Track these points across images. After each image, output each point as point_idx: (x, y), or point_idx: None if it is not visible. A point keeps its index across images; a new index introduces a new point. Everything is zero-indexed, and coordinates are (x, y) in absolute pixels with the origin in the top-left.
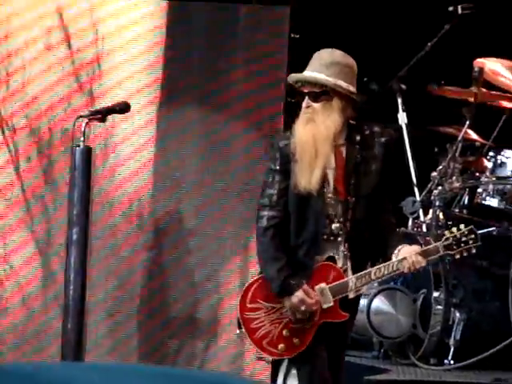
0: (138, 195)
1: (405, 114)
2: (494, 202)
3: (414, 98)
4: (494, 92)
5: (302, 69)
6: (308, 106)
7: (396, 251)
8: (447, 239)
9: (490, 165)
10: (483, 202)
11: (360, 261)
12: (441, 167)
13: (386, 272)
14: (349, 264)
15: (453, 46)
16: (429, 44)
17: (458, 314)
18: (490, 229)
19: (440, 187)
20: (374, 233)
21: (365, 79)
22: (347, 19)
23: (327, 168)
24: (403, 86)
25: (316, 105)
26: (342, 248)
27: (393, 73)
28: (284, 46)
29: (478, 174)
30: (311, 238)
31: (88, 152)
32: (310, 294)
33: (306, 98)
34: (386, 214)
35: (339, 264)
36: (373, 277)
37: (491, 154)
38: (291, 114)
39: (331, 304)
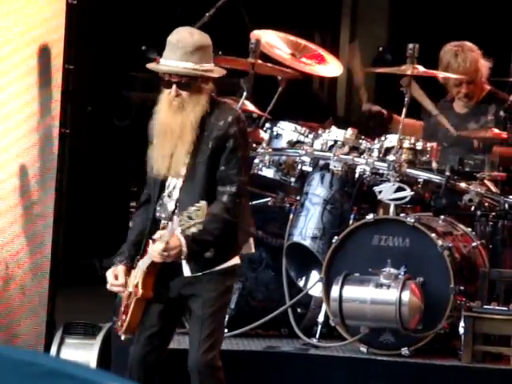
0: None
1: None
2: (269, 172)
3: None
4: (271, 64)
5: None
6: (177, 95)
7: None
8: (182, 216)
9: (266, 136)
10: (259, 172)
11: None
12: None
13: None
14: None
15: (231, 18)
16: (207, 14)
17: None
18: (266, 199)
19: None
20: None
21: (143, 48)
22: None
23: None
24: None
25: (185, 93)
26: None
27: None
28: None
29: (254, 145)
30: (152, 217)
31: None
32: (117, 275)
33: (174, 86)
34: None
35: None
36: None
37: (268, 125)
38: None
39: (137, 281)
